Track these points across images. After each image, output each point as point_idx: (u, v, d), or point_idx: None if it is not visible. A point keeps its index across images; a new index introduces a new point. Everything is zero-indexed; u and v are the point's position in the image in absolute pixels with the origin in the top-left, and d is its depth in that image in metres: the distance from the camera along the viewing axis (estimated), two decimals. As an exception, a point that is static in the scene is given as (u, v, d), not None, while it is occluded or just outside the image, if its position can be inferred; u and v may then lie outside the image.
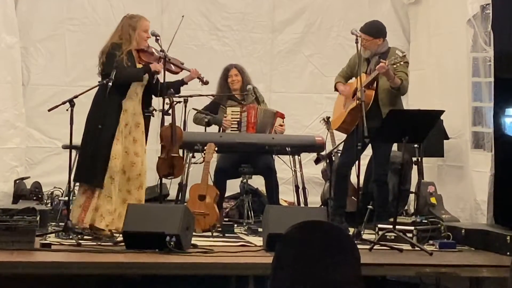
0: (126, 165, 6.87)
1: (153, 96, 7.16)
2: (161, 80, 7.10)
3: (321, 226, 2.87)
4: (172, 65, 7.24)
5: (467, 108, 8.02)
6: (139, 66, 6.98)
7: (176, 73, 7.36)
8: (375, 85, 7.37)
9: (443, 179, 8.44)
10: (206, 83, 7.63)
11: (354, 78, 7.55)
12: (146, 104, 7.02)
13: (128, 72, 6.86)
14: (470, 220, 7.73)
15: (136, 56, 6.98)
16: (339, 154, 7.90)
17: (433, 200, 7.91)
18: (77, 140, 6.86)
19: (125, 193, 6.89)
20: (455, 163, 8.36)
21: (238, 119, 8.16)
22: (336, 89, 7.72)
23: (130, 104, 6.92)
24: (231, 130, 8.16)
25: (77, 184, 7.05)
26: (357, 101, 7.03)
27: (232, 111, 8.20)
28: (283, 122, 8.24)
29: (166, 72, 7.11)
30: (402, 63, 7.18)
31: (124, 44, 6.89)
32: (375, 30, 7.46)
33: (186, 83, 7.51)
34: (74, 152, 6.92)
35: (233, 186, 8.49)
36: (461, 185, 8.13)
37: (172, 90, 7.22)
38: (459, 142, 8.22)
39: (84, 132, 6.85)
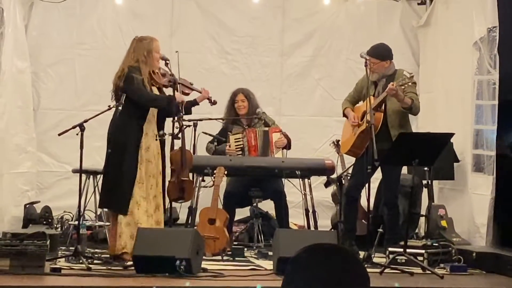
0: (150, 188, 6.89)
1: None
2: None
3: (330, 249, 2.86)
4: (183, 88, 7.27)
5: (469, 130, 8.01)
6: (153, 88, 6.98)
7: (187, 94, 7.41)
8: (383, 107, 7.36)
9: (446, 202, 8.39)
10: (214, 103, 7.70)
11: (361, 102, 7.54)
12: (159, 125, 7.05)
13: (155, 97, 6.89)
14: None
15: (148, 78, 6.99)
16: (349, 177, 7.88)
17: (443, 223, 7.89)
18: (87, 164, 6.87)
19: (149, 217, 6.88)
20: (455, 186, 8.35)
21: (241, 145, 8.18)
22: (344, 115, 7.69)
23: (150, 127, 6.95)
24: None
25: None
26: (367, 124, 7.03)
27: (234, 139, 8.21)
28: (280, 134, 8.21)
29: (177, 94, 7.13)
30: (410, 83, 7.17)
31: (142, 67, 6.89)
32: (382, 52, 7.45)
33: (198, 104, 7.53)
34: (84, 176, 6.92)
35: (243, 209, 8.47)
36: (461, 207, 8.10)
37: (181, 113, 7.24)
38: (460, 165, 8.21)
39: (107, 156, 6.84)
